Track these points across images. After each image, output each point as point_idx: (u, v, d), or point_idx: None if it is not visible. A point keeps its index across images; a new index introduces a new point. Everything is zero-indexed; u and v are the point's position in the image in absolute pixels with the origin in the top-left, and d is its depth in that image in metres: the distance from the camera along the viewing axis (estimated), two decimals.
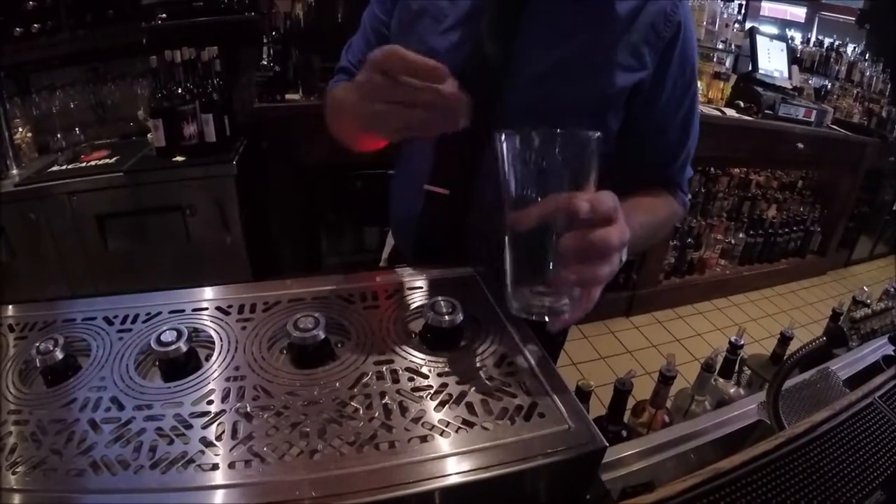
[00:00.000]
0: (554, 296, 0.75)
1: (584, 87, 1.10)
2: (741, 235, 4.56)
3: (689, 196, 1.31)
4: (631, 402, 1.44)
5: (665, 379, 1.42)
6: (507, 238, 0.76)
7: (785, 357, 1.47)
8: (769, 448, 0.79)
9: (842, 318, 1.41)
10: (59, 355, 0.80)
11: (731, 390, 1.56)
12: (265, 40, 3.05)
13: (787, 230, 4.80)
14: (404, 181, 1.34)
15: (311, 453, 0.67)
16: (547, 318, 0.76)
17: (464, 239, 1.04)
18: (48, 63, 3.06)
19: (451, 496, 0.65)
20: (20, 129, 2.91)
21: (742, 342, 1.55)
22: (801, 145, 4.09)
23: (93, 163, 2.87)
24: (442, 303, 0.86)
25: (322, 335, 0.81)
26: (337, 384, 0.77)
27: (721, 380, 1.58)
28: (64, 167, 2.84)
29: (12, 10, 2.81)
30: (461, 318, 0.85)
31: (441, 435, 0.70)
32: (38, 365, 0.80)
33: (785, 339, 1.67)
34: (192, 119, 2.83)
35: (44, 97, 3.06)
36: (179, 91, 2.83)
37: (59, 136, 3.04)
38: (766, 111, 3.96)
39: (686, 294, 4.34)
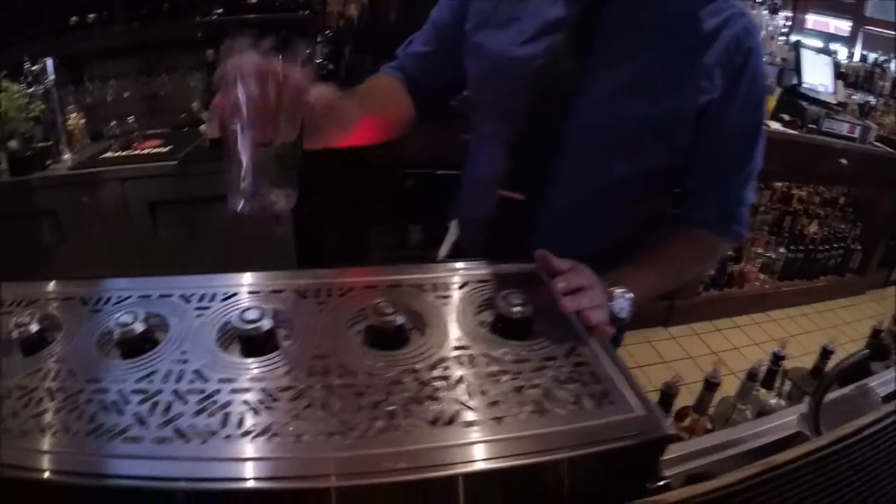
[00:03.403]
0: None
1: (655, 106, 1.11)
2: (781, 250, 4.46)
3: (746, 228, 1.34)
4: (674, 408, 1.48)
5: (710, 385, 1.44)
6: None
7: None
8: (811, 449, 0.78)
9: (882, 333, 1.41)
10: (140, 328, 0.83)
11: (772, 401, 1.57)
12: (318, 39, 3.08)
13: (827, 247, 4.68)
14: (475, 183, 1.36)
15: (395, 428, 0.70)
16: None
17: (535, 243, 1.06)
18: (102, 53, 3.13)
19: (528, 475, 0.69)
20: (73, 116, 2.97)
21: (784, 354, 1.56)
22: (844, 161, 4.02)
23: (146, 151, 2.93)
24: (514, 295, 0.89)
25: (401, 320, 0.84)
26: (417, 366, 0.80)
27: (762, 390, 1.58)
28: (117, 154, 2.90)
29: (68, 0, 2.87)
30: (532, 309, 0.87)
31: (517, 416, 0.72)
32: (116, 337, 0.83)
33: (826, 353, 1.67)
34: None
35: (97, 86, 3.12)
36: None
37: (114, 122, 3.08)
38: (810, 126, 3.91)
39: (724, 307, 4.26)
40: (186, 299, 0.94)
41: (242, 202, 0.83)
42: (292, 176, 0.87)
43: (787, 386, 1.69)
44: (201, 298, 0.94)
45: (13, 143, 2.72)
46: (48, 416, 0.71)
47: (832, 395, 1.25)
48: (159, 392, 0.75)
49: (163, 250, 2.93)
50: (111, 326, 0.84)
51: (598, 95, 1.11)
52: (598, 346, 0.87)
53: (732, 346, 3.94)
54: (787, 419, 1.22)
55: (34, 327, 0.83)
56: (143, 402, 0.73)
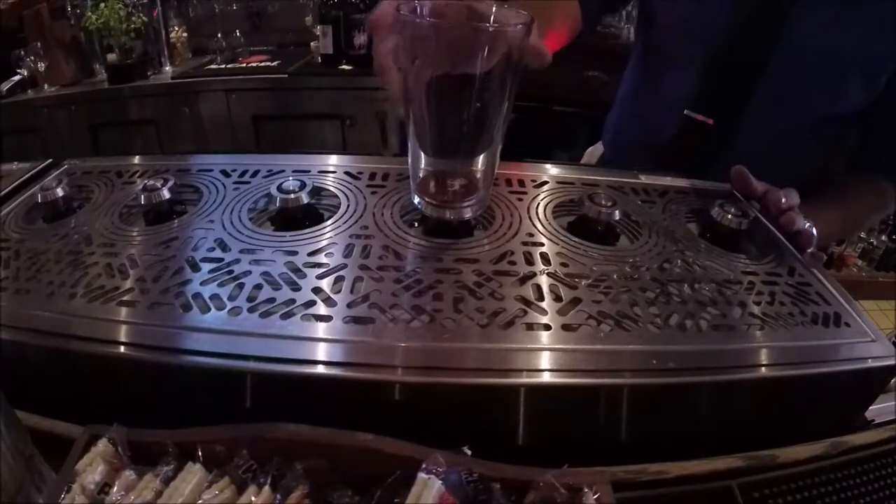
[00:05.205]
0: None
1: (863, 45, 1.02)
2: (883, 238, 4.03)
3: None
4: None
5: None
6: None
7: None
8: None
9: None
10: (166, 195, 0.74)
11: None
12: None
13: None
14: (649, 101, 1.26)
15: (624, 329, 0.61)
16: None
17: (716, 170, 0.97)
18: None
19: (759, 389, 0.61)
20: (176, 29, 2.93)
21: None
22: None
23: (253, 64, 2.86)
24: (730, 204, 0.80)
25: (618, 215, 0.75)
26: (640, 264, 0.71)
27: None
28: (223, 66, 2.84)
29: None
30: (747, 223, 0.78)
31: (749, 328, 0.64)
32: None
33: None
34: (364, 29, 2.71)
35: (201, 0, 3.06)
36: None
37: (219, 35, 3.01)
38: None
39: None
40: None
41: (423, 202, 0.70)
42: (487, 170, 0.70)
43: None
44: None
45: (113, 55, 2.70)
46: (193, 289, 0.62)
47: None
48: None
49: None
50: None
51: (808, 24, 1.01)
52: (817, 269, 0.78)
53: None
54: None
55: (165, 194, 0.75)
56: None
